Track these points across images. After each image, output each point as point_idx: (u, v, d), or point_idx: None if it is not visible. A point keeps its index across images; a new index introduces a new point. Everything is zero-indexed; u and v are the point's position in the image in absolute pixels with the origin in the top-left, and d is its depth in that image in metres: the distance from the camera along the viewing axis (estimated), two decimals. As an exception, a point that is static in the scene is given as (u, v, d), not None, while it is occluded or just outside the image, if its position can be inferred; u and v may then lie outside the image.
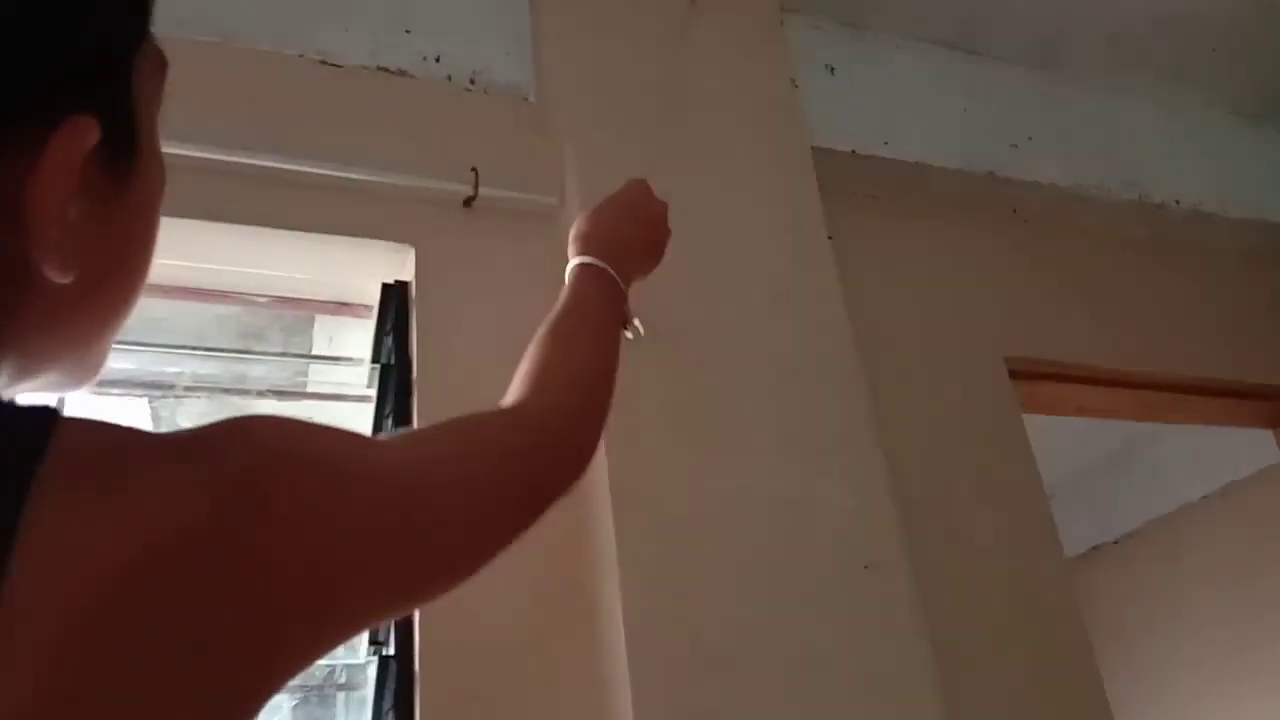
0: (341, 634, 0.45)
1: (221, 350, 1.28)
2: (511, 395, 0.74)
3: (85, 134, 0.38)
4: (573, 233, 0.96)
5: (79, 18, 0.39)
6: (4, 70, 0.36)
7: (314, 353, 1.70)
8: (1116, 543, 3.68)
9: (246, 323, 1.75)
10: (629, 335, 0.95)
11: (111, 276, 0.44)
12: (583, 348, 0.78)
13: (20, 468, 0.33)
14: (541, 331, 0.81)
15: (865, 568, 1.13)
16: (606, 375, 0.79)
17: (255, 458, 0.41)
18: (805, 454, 1.18)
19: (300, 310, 1.29)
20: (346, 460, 0.47)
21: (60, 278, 0.39)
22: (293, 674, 0.41)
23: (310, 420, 0.47)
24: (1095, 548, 3.74)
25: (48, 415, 0.35)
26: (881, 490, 1.20)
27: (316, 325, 1.67)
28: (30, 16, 0.37)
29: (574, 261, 0.90)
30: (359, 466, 0.48)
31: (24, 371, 0.41)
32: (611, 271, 0.89)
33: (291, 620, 0.40)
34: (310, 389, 1.43)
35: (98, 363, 0.47)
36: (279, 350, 1.65)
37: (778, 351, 1.24)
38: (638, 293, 0.99)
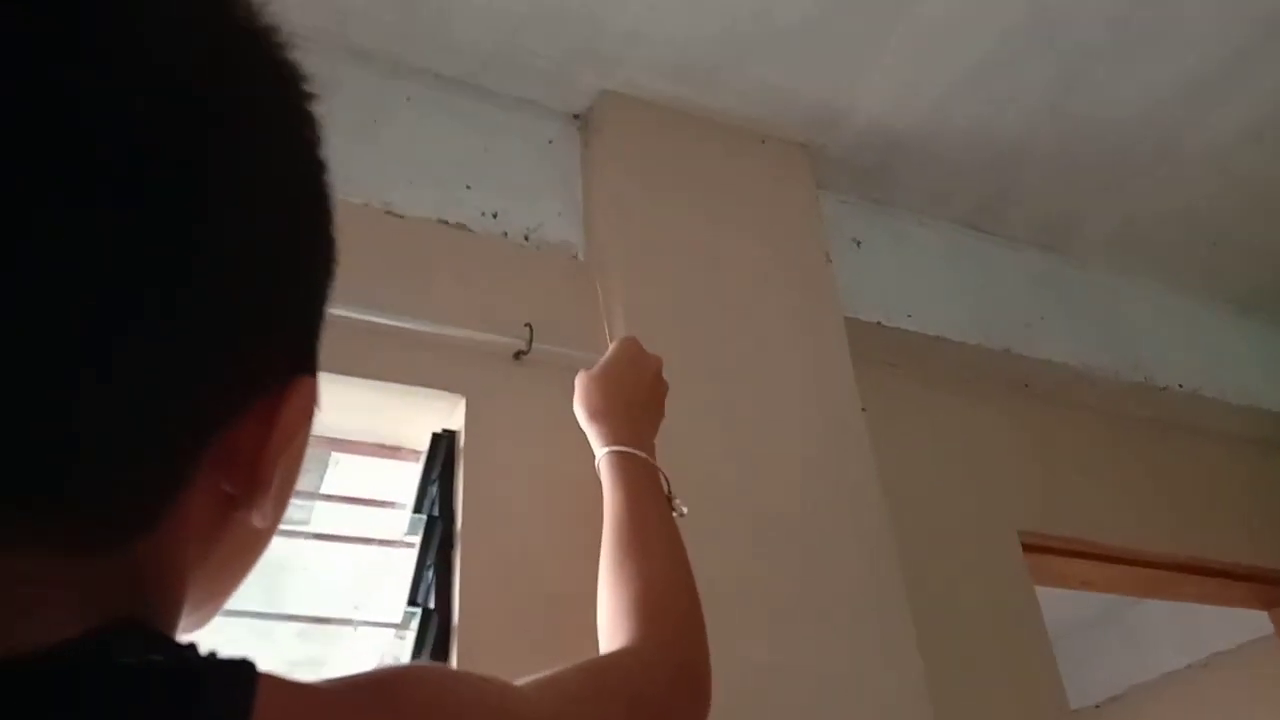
0: None
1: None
2: (617, 633, 0.73)
3: (311, 394, 0.41)
4: (584, 404, 0.95)
5: (317, 288, 0.42)
6: (271, 338, 0.39)
7: (324, 489, 1.68)
8: (1098, 707, 3.65)
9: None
10: (676, 517, 0.95)
11: (277, 521, 0.45)
12: (661, 561, 0.78)
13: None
14: (612, 551, 0.80)
15: (900, 751, 1.13)
16: (691, 581, 0.79)
17: (436, 710, 0.42)
18: (841, 630, 1.19)
19: (346, 451, 1.30)
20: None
21: (262, 523, 0.40)
22: None
23: (464, 673, 0.48)
24: (1075, 711, 3.70)
25: (250, 669, 0.35)
26: (916, 669, 1.21)
27: (331, 460, 1.67)
28: (293, 286, 0.40)
29: (606, 450, 0.90)
30: None
31: (191, 613, 0.42)
32: (649, 458, 0.89)
33: None
34: (322, 528, 1.42)
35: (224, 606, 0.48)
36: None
37: (813, 525, 1.26)
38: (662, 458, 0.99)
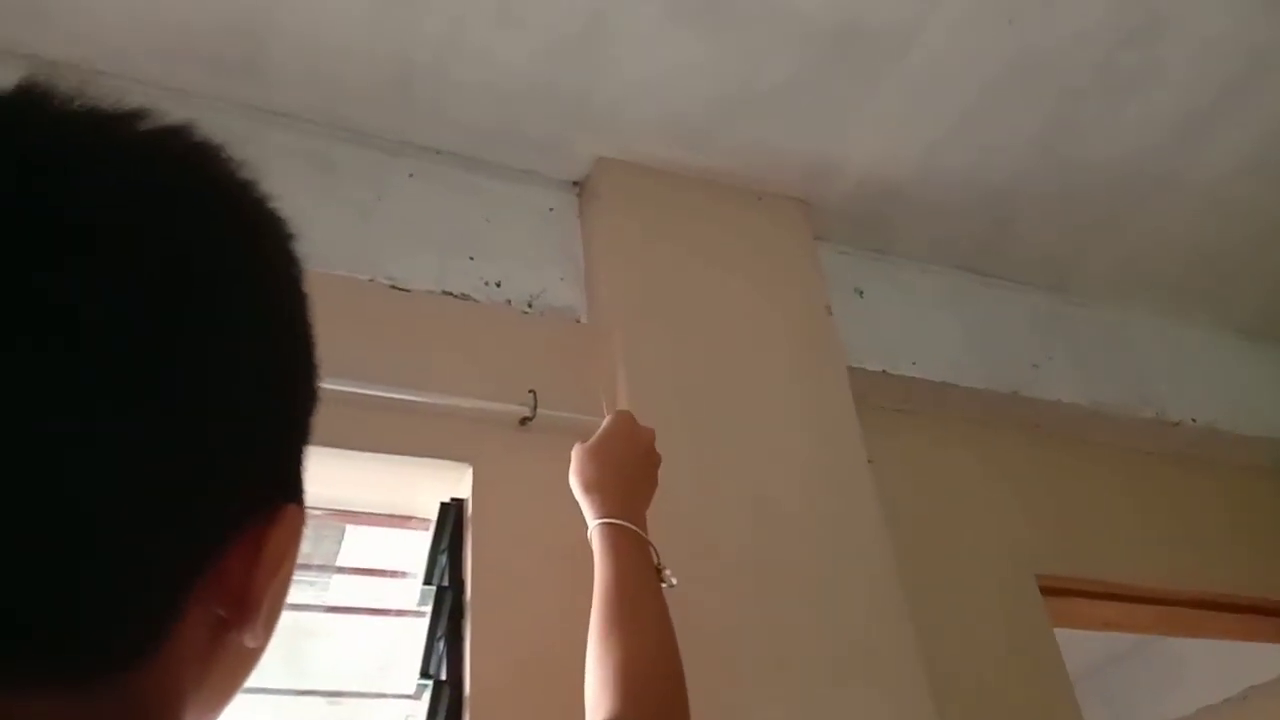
0: None
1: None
2: (600, 707, 0.75)
3: (296, 520, 0.43)
4: (578, 477, 0.99)
5: (300, 419, 0.44)
6: (255, 473, 0.41)
7: (341, 560, 1.70)
8: (1136, 743, 3.56)
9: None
10: (664, 587, 0.97)
11: (267, 640, 0.47)
12: (646, 636, 0.82)
13: None
14: (600, 624, 0.84)
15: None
16: (675, 656, 0.82)
17: None
18: (853, 684, 1.19)
19: (358, 523, 1.32)
20: None
21: (254, 643, 0.42)
22: None
23: None
24: (1112, 747, 3.62)
25: None
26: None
27: (348, 531, 1.68)
28: (275, 422, 0.42)
29: (598, 522, 0.94)
30: None
31: None
32: (639, 531, 0.93)
33: None
34: (339, 599, 1.43)
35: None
36: (305, 559, 1.66)
37: (820, 581, 1.26)
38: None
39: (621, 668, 0.76)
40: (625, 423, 1.05)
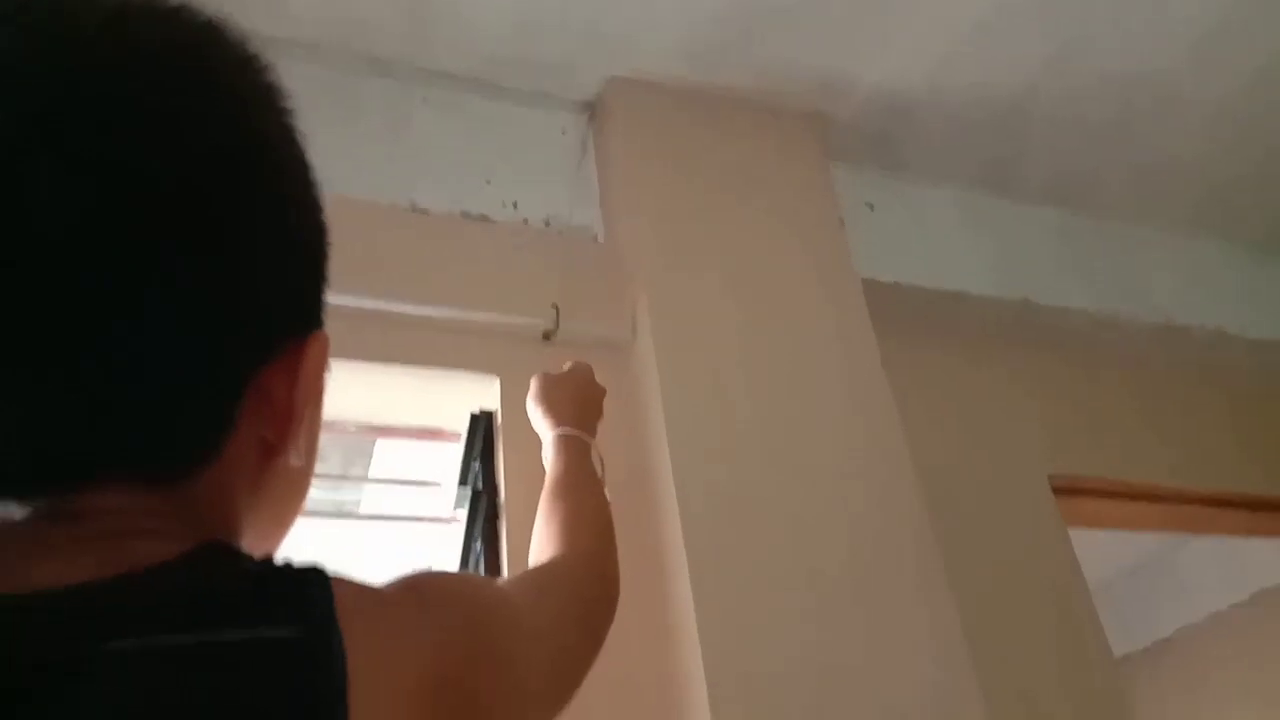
0: None
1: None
2: (549, 546, 0.87)
3: (325, 343, 0.49)
4: (539, 399, 1.09)
5: (319, 258, 0.50)
6: (290, 301, 0.47)
7: (372, 474, 1.76)
8: (1146, 650, 3.66)
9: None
10: None
11: (311, 461, 0.54)
12: (590, 502, 0.94)
13: (326, 607, 0.41)
14: (546, 496, 0.96)
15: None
16: (609, 516, 0.95)
17: (477, 611, 0.51)
18: (882, 594, 1.23)
19: (389, 436, 1.37)
20: (517, 614, 0.59)
21: (298, 461, 0.49)
22: None
23: (474, 574, 0.56)
24: (1125, 656, 3.71)
25: (323, 571, 0.43)
26: (951, 619, 1.25)
27: (377, 445, 1.74)
28: (305, 259, 0.48)
29: (557, 432, 1.05)
30: (523, 618, 0.60)
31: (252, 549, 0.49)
32: (589, 441, 1.05)
33: None
34: (369, 510, 1.49)
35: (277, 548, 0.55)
36: (339, 473, 1.72)
37: (843, 486, 1.30)
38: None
39: (568, 520, 0.88)
40: (583, 371, 1.15)
